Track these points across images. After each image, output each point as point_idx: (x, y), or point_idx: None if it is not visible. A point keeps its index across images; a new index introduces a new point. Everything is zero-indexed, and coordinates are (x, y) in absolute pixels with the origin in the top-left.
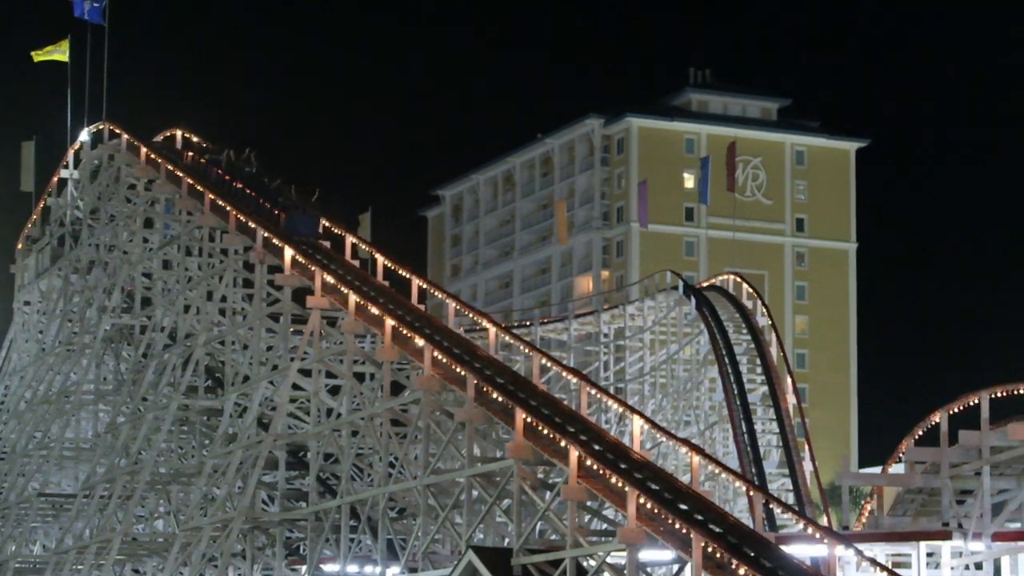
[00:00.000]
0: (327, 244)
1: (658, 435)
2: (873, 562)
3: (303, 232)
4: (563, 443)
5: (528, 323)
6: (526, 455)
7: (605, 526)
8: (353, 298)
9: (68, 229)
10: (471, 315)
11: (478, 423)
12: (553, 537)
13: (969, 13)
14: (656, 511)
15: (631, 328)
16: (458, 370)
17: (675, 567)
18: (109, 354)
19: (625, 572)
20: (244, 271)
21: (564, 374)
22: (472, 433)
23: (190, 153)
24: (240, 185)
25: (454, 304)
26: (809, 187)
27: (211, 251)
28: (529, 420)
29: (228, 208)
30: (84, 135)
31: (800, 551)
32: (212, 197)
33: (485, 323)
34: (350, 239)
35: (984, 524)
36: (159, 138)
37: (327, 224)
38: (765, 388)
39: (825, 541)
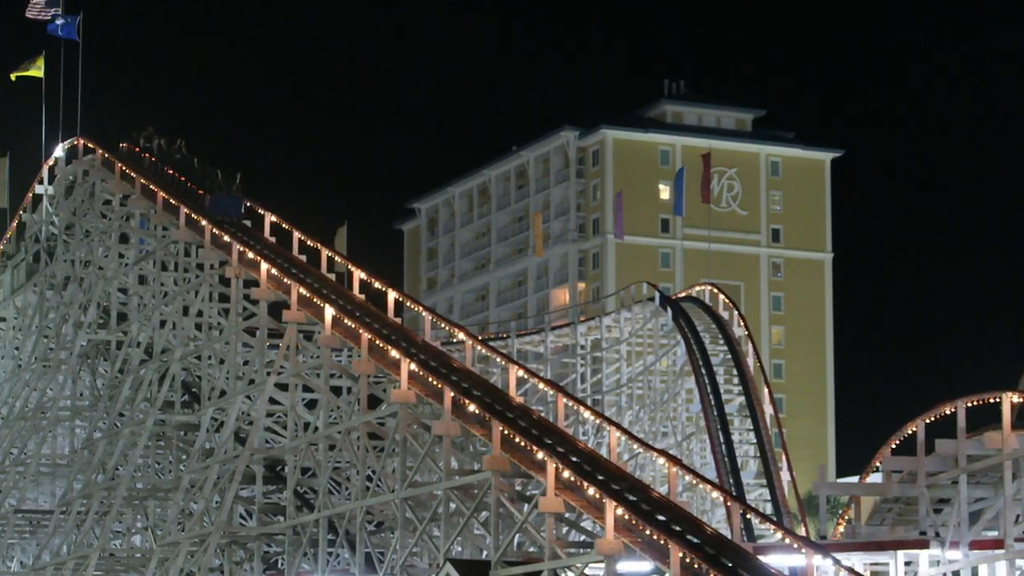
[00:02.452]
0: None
1: (635, 446)
2: (851, 571)
3: (226, 212)
4: (540, 455)
5: (504, 335)
6: (503, 467)
7: (583, 538)
8: (329, 312)
9: (43, 245)
10: (448, 328)
11: (455, 436)
12: (531, 549)
13: (944, 25)
14: (634, 522)
15: (608, 340)
16: (435, 383)
17: None
18: (85, 370)
19: None
20: (220, 285)
21: (541, 386)
22: (449, 446)
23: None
24: (171, 170)
25: (430, 317)
26: (784, 198)
27: (187, 266)
28: (506, 432)
29: (203, 222)
30: (58, 151)
31: (778, 561)
32: (187, 212)
33: (462, 336)
34: (326, 252)
35: (961, 533)
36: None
37: (249, 205)
38: (742, 398)
39: (803, 551)
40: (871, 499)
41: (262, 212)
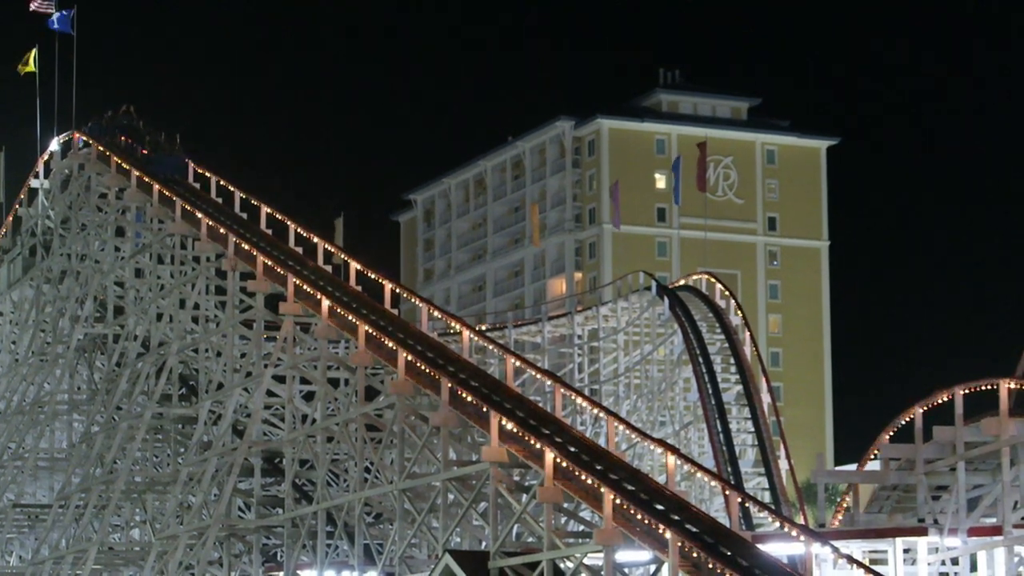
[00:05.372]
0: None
1: (633, 436)
2: (850, 559)
3: (169, 171)
4: (538, 445)
5: (501, 326)
6: (501, 458)
7: (582, 527)
8: (326, 304)
9: (39, 239)
10: (445, 319)
11: (453, 427)
12: (530, 539)
13: (939, 11)
14: (632, 512)
15: (605, 329)
16: (432, 374)
17: (652, 567)
18: (82, 363)
19: (602, 573)
20: (216, 278)
21: (539, 376)
22: (447, 437)
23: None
24: (124, 139)
25: (427, 308)
26: (780, 186)
27: (183, 259)
28: (504, 423)
29: (200, 216)
30: (54, 144)
31: (777, 549)
32: (184, 206)
33: (459, 327)
34: (322, 245)
35: (960, 519)
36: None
37: (191, 165)
38: (740, 387)
39: (802, 539)
40: (869, 487)
41: (206, 173)
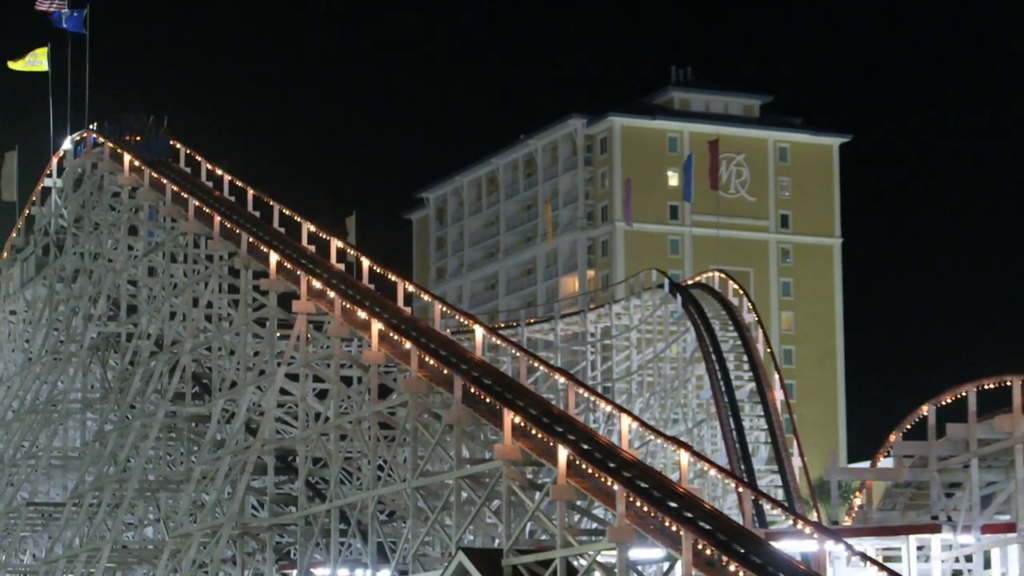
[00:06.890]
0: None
1: (646, 433)
2: (863, 557)
3: (156, 153)
4: (551, 443)
5: (514, 324)
6: (514, 456)
7: (595, 525)
8: (339, 302)
9: (52, 238)
10: (457, 317)
11: (466, 425)
12: (543, 537)
13: (951, 8)
14: (646, 509)
15: (617, 327)
16: (445, 372)
17: (665, 565)
18: (96, 362)
19: (615, 571)
20: (229, 277)
21: (551, 374)
22: (460, 435)
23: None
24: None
25: (440, 306)
26: (793, 183)
27: (196, 257)
28: (517, 421)
29: (212, 214)
30: (67, 143)
31: (790, 547)
32: (197, 204)
33: (472, 324)
34: (335, 243)
35: (973, 517)
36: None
37: (176, 146)
38: (752, 385)
39: (815, 536)
40: (882, 484)
41: (192, 155)
